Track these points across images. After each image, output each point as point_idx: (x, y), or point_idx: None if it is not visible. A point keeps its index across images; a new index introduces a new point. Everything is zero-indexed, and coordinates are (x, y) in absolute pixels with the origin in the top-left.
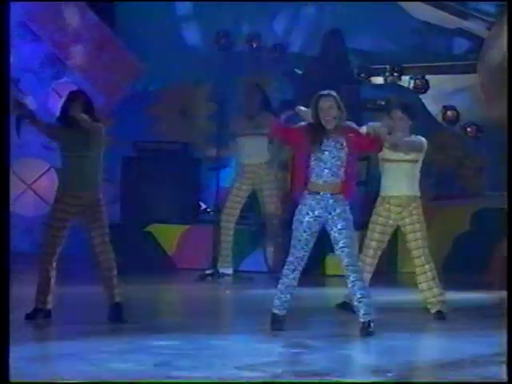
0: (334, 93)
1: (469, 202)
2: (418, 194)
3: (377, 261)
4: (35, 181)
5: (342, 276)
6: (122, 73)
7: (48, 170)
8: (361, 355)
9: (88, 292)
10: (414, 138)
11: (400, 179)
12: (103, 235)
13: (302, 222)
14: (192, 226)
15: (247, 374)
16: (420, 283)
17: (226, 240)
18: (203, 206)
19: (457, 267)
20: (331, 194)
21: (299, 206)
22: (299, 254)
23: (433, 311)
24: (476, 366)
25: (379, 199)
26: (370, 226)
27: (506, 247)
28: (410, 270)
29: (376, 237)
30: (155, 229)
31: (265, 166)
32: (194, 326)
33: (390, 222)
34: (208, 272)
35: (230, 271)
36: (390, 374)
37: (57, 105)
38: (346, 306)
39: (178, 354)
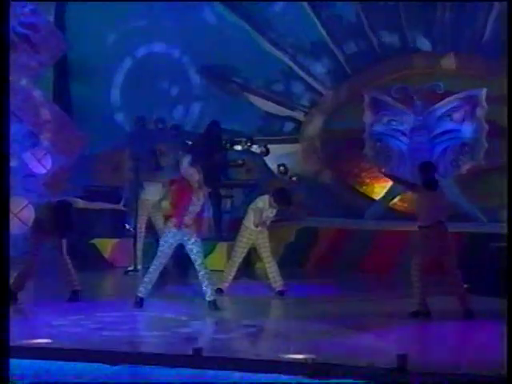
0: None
1: (295, 223)
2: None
3: (239, 264)
4: (19, 211)
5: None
6: (75, 142)
7: (27, 205)
8: None
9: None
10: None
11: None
12: (62, 247)
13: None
14: (121, 239)
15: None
16: (268, 273)
17: (140, 247)
18: (128, 226)
19: (286, 263)
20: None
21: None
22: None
23: (276, 290)
24: None
25: (243, 226)
26: (237, 243)
27: None
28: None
29: (240, 251)
30: (97, 241)
31: (155, 201)
32: (123, 303)
33: (250, 241)
34: (130, 269)
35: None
36: None
37: (34, 164)
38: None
39: (115, 321)
